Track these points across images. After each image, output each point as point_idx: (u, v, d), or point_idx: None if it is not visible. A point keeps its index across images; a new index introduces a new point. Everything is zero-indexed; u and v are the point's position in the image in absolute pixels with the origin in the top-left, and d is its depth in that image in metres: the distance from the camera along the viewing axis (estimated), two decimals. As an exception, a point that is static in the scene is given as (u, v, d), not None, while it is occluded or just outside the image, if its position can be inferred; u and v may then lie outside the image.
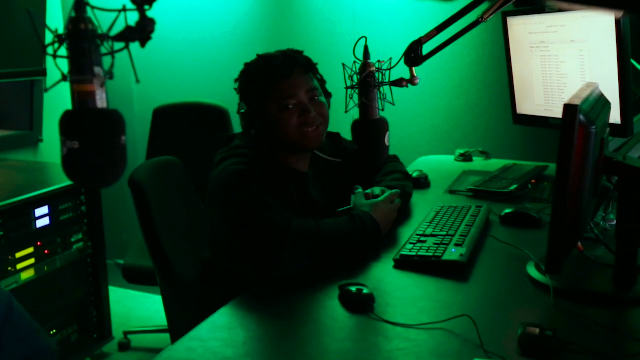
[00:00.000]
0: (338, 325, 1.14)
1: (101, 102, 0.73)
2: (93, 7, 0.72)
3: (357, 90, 1.38)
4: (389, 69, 1.38)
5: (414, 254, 1.39)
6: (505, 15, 2.22)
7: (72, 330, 2.52)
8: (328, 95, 1.64)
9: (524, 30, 2.18)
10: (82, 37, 0.71)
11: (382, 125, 1.38)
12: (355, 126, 1.38)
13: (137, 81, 0.79)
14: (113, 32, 0.72)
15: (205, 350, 1.05)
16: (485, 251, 1.48)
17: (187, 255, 1.74)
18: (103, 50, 0.73)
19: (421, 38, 1.48)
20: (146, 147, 2.89)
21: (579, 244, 1.39)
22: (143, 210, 1.63)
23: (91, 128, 0.72)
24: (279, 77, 1.52)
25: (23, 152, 3.19)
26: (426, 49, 1.49)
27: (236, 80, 1.60)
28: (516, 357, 1.00)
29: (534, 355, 1.00)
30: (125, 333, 2.91)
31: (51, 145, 3.30)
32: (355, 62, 1.37)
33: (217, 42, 3.16)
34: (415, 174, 2.07)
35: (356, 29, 2.82)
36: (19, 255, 2.26)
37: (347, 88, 1.38)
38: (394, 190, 1.62)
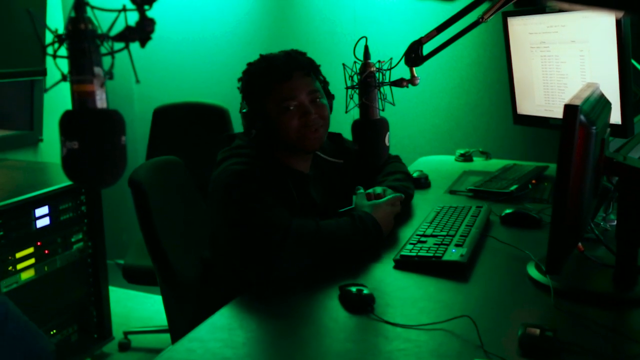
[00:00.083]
0: (338, 326, 1.14)
1: (101, 102, 0.73)
2: (93, 7, 0.72)
3: (357, 91, 1.37)
4: (389, 69, 1.38)
5: (414, 254, 1.39)
6: (506, 15, 2.22)
7: (72, 330, 2.52)
8: (330, 97, 1.64)
9: (524, 30, 2.17)
10: (82, 37, 0.71)
11: (382, 126, 1.37)
12: (356, 126, 1.38)
13: (137, 81, 0.79)
14: (113, 32, 0.72)
15: (205, 351, 1.05)
16: (486, 251, 1.48)
17: (187, 256, 1.74)
18: (103, 50, 0.73)
19: (421, 38, 1.48)
20: (146, 147, 2.89)
21: (580, 244, 1.39)
22: (143, 210, 1.63)
23: (91, 128, 0.72)
24: (279, 79, 1.52)
25: (23, 152, 3.19)
26: (426, 49, 1.49)
27: (239, 80, 1.60)
28: (516, 357, 1.00)
29: (534, 356, 1.00)
30: (126, 333, 2.91)
31: (51, 145, 3.30)
32: (355, 62, 1.37)
33: (218, 42, 3.16)
34: (415, 174, 2.07)
35: (356, 29, 2.82)
36: (19, 255, 2.26)
37: (347, 88, 1.38)
38: (397, 194, 1.62)
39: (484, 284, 1.31)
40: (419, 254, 1.39)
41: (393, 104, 1.39)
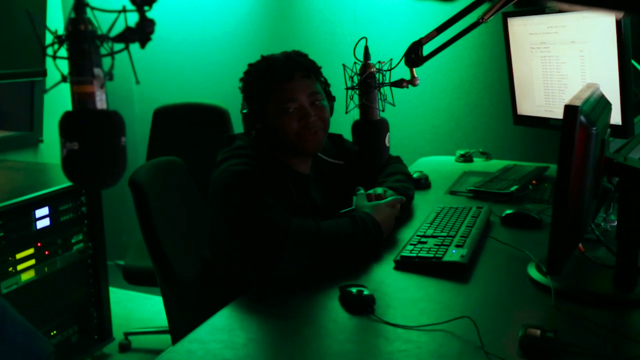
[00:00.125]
0: (338, 327, 1.14)
1: (101, 103, 0.73)
2: (93, 8, 0.72)
3: (357, 91, 1.37)
4: (390, 70, 1.38)
5: (414, 255, 1.39)
6: (506, 16, 2.22)
7: (73, 331, 2.52)
8: (331, 99, 1.64)
9: (525, 31, 2.17)
10: (81, 38, 0.71)
11: (382, 126, 1.37)
12: (356, 127, 1.38)
13: (137, 82, 0.79)
14: (113, 33, 0.72)
15: (205, 352, 1.05)
16: (486, 252, 1.48)
17: (187, 256, 1.74)
18: (103, 51, 0.73)
19: (421, 39, 1.48)
20: (146, 147, 2.89)
21: (580, 245, 1.39)
22: (143, 211, 1.63)
23: (91, 129, 0.72)
24: (279, 80, 1.52)
25: (23, 153, 3.20)
26: (426, 49, 1.49)
27: (241, 80, 1.60)
28: (517, 358, 1.00)
29: (535, 357, 1.00)
30: (126, 334, 2.91)
31: (51, 146, 3.30)
32: (355, 62, 1.37)
33: (218, 42, 3.16)
34: (415, 175, 2.07)
35: (357, 30, 2.82)
36: (19, 256, 2.26)
37: (347, 89, 1.38)
38: (399, 197, 1.62)
39: (484, 285, 1.31)
40: (420, 254, 1.39)
41: (393, 105, 1.39)
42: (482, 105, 2.69)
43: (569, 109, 1.07)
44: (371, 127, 1.37)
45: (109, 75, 0.74)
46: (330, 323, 1.16)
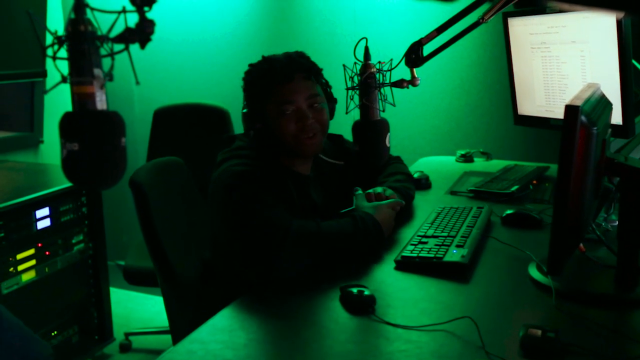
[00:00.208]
0: (339, 327, 1.14)
1: (101, 103, 0.73)
2: (93, 9, 0.72)
3: (357, 91, 1.37)
4: (390, 70, 1.38)
5: (415, 255, 1.39)
6: (506, 16, 2.22)
7: (73, 331, 2.52)
8: (333, 100, 1.63)
9: (525, 31, 2.17)
10: (81, 39, 0.71)
11: (382, 126, 1.37)
12: (356, 127, 1.38)
13: (137, 83, 0.79)
14: (113, 34, 0.72)
15: (206, 352, 1.05)
16: (487, 252, 1.48)
17: (187, 256, 1.74)
18: (103, 51, 0.73)
19: (422, 39, 1.48)
20: (147, 148, 2.89)
21: (581, 245, 1.38)
22: (143, 211, 1.63)
23: (91, 130, 0.72)
24: (279, 81, 1.52)
25: (24, 154, 3.20)
26: (427, 49, 1.49)
27: (242, 79, 1.60)
28: (518, 358, 1.00)
29: (536, 357, 1.00)
30: (127, 334, 2.91)
31: (52, 147, 3.30)
32: (355, 63, 1.37)
33: (218, 43, 3.16)
34: (416, 175, 2.07)
35: (357, 30, 2.82)
36: (19, 256, 2.26)
37: (347, 89, 1.38)
38: (399, 200, 1.62)
39: (485, 285, 1.30)
40: (420, 254, 1.39)
41: (393, 105, 1.39)
42: (483, 106, 2.69)
43: (570, 109, 1.07)
44: (371, 128, 1.37)
45: (109, 76, 0.74)
46: (331, 323, 1.16)
